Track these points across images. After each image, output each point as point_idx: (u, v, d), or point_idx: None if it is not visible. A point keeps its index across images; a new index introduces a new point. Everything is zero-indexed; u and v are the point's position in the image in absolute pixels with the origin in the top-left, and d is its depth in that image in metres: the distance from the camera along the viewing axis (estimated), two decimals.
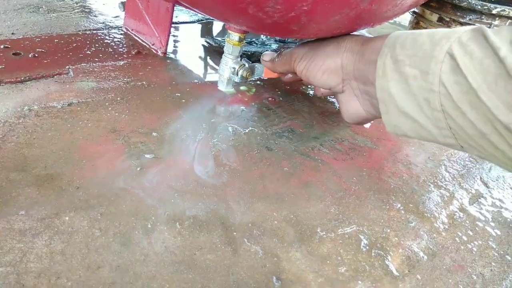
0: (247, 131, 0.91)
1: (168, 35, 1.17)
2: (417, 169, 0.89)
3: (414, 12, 1.05)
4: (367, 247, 0.66)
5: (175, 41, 1.35)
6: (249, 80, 0.98)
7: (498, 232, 0.75)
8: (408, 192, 0.81)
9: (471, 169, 0.92)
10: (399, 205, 0.77)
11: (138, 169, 0.75)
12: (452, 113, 0.46)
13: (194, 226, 0.65)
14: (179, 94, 1.01)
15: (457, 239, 0.72)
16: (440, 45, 0.48)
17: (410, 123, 0.54)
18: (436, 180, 0.86)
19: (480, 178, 0.90)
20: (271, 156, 0.84)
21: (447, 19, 0.98)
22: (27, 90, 0.92)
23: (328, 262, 0.63)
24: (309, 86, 1.19)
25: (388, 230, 0.71)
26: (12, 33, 1.19)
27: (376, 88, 0.57)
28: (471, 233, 0.74)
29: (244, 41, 0.95)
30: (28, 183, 0.67)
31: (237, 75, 0.96)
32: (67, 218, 0.62)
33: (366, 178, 0.83)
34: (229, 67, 0.97)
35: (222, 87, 1.01)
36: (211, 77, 1.13)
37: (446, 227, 0.74)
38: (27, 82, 0.96)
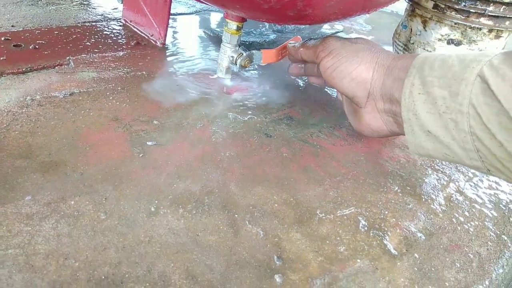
0: (246, 118, 0.93)
1: (167, 26, 1.18)
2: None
3: (411, 1, 1.06)
4: (366, 228, 0.68)
5: (173, 32, 1.36)
6: (247, 68, 0.99)
7: (495, 213, 0.77)
8: (406, 175, 0.83)
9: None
10: (396, 188, 0.78)
11: (141, 155, 0.76)
12: (480, 134, 0.47)
13: (197, 209, 0.66)
14: (178, 84, 1.02)
15: (454, 220, 0.73)
16: (471, 68, 0.49)
17: (435, 144, 0.55)
18: (433, 164, 0.88)
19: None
20: (270, 143, 0.86)
21: (442, 6, 0.99)
22: (29, 81, 0.93)
23: (327, 242, 0.64)
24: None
25: (386, 212, 0.72)
26: (12, 26, 1.20)
27: (401, 108, 0.59)
28: (467, 214, 0.75)
29: (242, 30, 0.96)
30: (33, 169, 0.69)
31: (236, 63, 0.98)
32: (72, 202, 0.64)
33: (364, 163, 0.84)
34: (227, 56, 0.99)
35: (221, 75, 1.03)
36: (210, 66, 1.14)
37: (443, 208, 0.76)
38: (28, 73, 0.97)
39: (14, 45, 1.06)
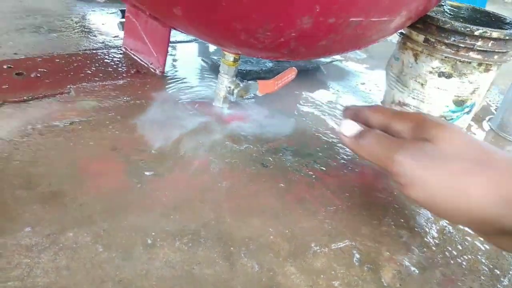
0: (243, 148, 0.94)
1: (166, 55, 1.21)
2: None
3: (401, 33, 1.10)
4: (360, 262, 0.69)
5: (173, 60, 1.39)
6: (244, 98, 1.02)
7: (487, 247, 0.78)
8: (399, 207, 0.84)
9: None
10: (390, 220, 0.80)
11: (138, 185, 0.77)
12: None
13: (193, 241, 0.67)
14: (177, 112, 1.04)
15: (447, 253, 0.75)
16: None
17: None
18: None
19: None
20: (267, 173, 0.87)
21: (433, 40, 1.03)
22: (30, 110, 0.95)
23: (322, 276, 0.65)
24: (304, 102, 1.23)
25: (380, 245, 0.73)
26: (15, 53, 1.23)
27: None
28: (460, 248, 0.77)
29: (239, 61, 0.99)
30: (34, 200, 0.70)
31: (233, 94, 1.00)
32: (71, 234, 0.65)
33: (358, 194, 0.86)
34: (224, 86, 1.02)
35: (218, 104, 1.05)
36: (208, 94, 1.16)
37: (437, 241, 0.77)
38: (30, 102, 0.99)
39: (16, 73, 1.08)
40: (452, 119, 1.11)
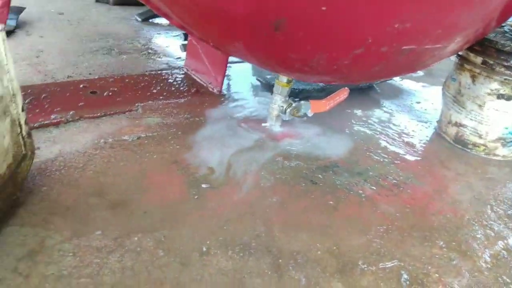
0: (293, 164, 0.98)
1: (224, 75, 1.29)
2: (462, 207, 0.90)
3: (458, 55, 1.08)
4: (407, 282, 0.69)
5: (229, 79, 1.47)
6: (296, 117, 1.06)
7: None
8: (452, 230, 0.83)
9: None
10: (441, 243, 0.79)
11: (196, 197, 0.84)
12: None
13: (244, 251, 0.72)
14: (232, 129, 1.10)
15: (499, 279, 0.72)
16: None
17: None
18: (481, 219, 0.87)
19: None
20: (316, 189, 0.90)
21: (491, 62, 1.00)
22: (102, 125, 1.06)
23: None
24: (356, 121, 1.24)
25: (430, 267, 0.73)
26: (90, 73, 1.37)
27: None
28: None
29: (292, 82, 1.03)
30: (104, 207, 0.78)
31: (285, 113, 1.04)
32: (136, 238, 0.72)
33: (410, 215, 0.86)
34: (277, 105, 1.06)
35: (271, 123, 1.10)
36: (261, 112, 1.21)
37: (489, 266, 0.75)
38: (103, 118, 1.10)
39: (91, 92, 1.21)
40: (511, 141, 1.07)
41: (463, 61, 1.08)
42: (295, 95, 1.32)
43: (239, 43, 0.63)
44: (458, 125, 1.13)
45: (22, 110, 0.73)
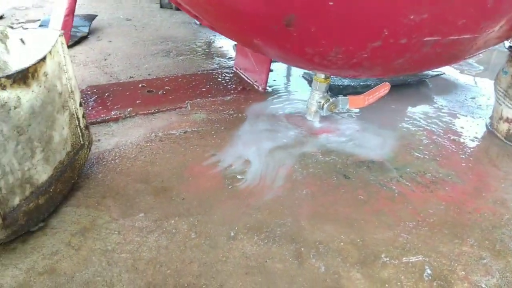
0: (328, 159, 1.00)
1: (267, 73, 1.34)
2: (503, 206, 0.86)
3: (510, 46, 1.02)
4: (430, 277, 0.69)
5: (275, 76, 1.51)
6: (333, 112, 1.07)
7: None
8: (487, 229, 0.80)
9: None
10: (473, 241, 0.77)
11: (230, 187, 0.90)
12: None
13: (269, 238, 0.76)
14: (272, 125, 1.15)
15: None
16: None
17: None
18: None
19: None
20: (348, 184, 0.91)
21: None
22: (155, 120, 1.17)
23: (386, 285, 0.67)
24: (401, 117, 1.22)
25: (456, 264, 0.72)
26: (149, 74, 1.50)
27: None
28: None
29: (330, 78, 1.05)
30: (148, 192, 0.87)
31: (323, 108, 1.07)
32: (172, 221, 0.80)
33: (444, 212, 0.84)
34: (315, 101, 1.09)
35: (310, 118, 1.13)
36: (303, 109, 1.24)
37: None
38: (156, 114, 1.20)
39: (147, 91, 1.32)
40: None
41: None
42: (340, 90, 1.33)
43: (258, 40, 0.68)
44: (510, 121, 1.06)
45: (80, 105, 0.84)
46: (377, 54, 0.66)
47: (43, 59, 0.68)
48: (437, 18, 0.60)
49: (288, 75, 1.54)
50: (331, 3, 0.53)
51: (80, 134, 0.85)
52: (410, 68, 0.75)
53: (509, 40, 1.06)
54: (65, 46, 0.78)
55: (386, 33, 0.60)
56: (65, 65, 0.77)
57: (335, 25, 0.59)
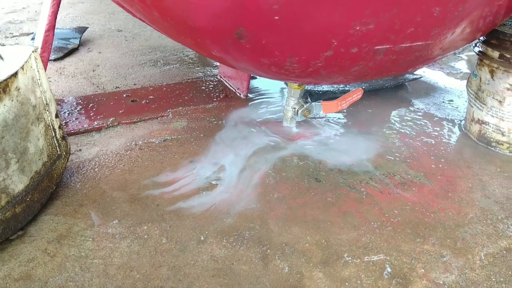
0: (301, 163, 1.03)
1: (249, 80, 1.37)
2: (468, 206, 0.88)
3: (479, 51, 1.05)
4: (390, 275, 0.72)
5: (257, 84, 1.54)
6: (308, 117, 1.11)
7: None
8: (450, 227, 0.82)
9: None
10: (434, 240, 0.79)
11: (204, 192, 0.93)
12: None
13: (237, 241, 0.79)
14: (250, 131, 1.18)
15: (492, 277, 0.71)
16: None
17: None
18: (486, 218, 0.85)
19: None
20: (318, 187, 0.94)
21: (508, 56, 0.96)
22: (136, 129, 1.20)
23: (347, 284, 0.70)
24: (377, 121, 1.24)
25: (416, 262, 0.74)
26: (134, 84, 1.53)
27: None
28: (510, 273, 0.72)
29: (304, 85, 1.09)
30: (124, 200, 0.90)
31: (297, 114, 1.10)
32: (145, 227, 0.83)
33: (409, 212, 0.87)
34: (291, 107, 1.12)
35: (286, 124, 1.16)
36: (281, 114, 1.27)
37: (484, 264, 0.74)
38: (138, 123, 1.24)
39: (131, 101, 1.36)
40: None
41: (482, 56, 1.05)
42: (319, 96, 1.36)
43: (216, 52, 0.71)
44: (481, 122, 1.09)
45: (56, 117, 0.87)
46: (331, 62, 0.69)
47: (15, 74, 0.72)
48: (384, 28, 0.63)
49: (271, 82, 1.57)
50: (276, 18, 0.57)
51: (56, 144, 0.88)
52: (370, 74, 0.78)
53: (478, 44, 1.08)
54: (39, 60, 0.82)
55: (335, 43, 0.63)
56: (39, 79, 0.81)
57: (284, 37, 0.62)
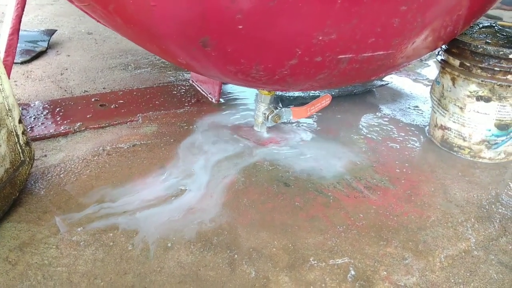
0: (271, 168, 1.04)
1: (220, 85, 1.37)
2: (430, 209, 0.92)
3: (442, 59, 1.09)
4: (353, 278, 0.73)
5: (231, 88, 1.55)
6: (278, 123, 1.12)
7: (501, 276, 0.75)
8: (412, 230, 0.85)
9: (492, 213, 0.92)
10: (397, 242, 0.81)
11: (173, 198, 0.92)
12: None
13: (204, 247, 0.79)
14: (221, 136, 1.18)
15: (451, 279, 0.74)
16: None
17: None
18: (447, 221, 0.88)
19: (500, 221, 0.89)
20: (287, 192, 0.95)
21: (468, 64, 1.00)
22: (104, 134, 1.18)
23: (311, 287, 0.71)
24: (346, 126, 1.27)
25: (379, 265, 0.76)
26: (104, 88, 1.51)
27: None
28: (468, 275, 0.75)
29: (274, 91, 1.10)
30: (90, 206, 0.89)
31: (267, 120, 1.11)
32: (111, 234, 0.81)
33: (373, 215, 0.89)
34: (261, 112, 1.13)
35: (257, 129, 1.17)
36: (252, 119, 1.28)
37: (443, 266, 0.77)
38: (106, 128, 1.22)
39: (100, 105, 1.34)
40: (496, 143, 1.06)
41: (444, 64, 1.09)
42: (290, 101, 1.38)
43: (182, 60, 0.71)
44: (443, 128, 1.13)
45: (19, 122, 0.85)
46: (296, 71, 0.71)
47: None
48: (345, 38, 0.65)
49: (243, 88, 1.58)
50: (240, 27, 0.57)
51: (20, 150, 0.86)
52: (335, 82, 0.80)
53: (440, 53, 1.13)
54: (0, 65, 0.79)
55: (299, 52, 0.65)
56: (0, 84, 0.79)
57: (249, 46, 0.63)
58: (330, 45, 0.65)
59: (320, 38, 0.63)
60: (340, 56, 0.69)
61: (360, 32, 0.65)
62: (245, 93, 1.51)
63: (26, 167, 0.89)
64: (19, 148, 0.86)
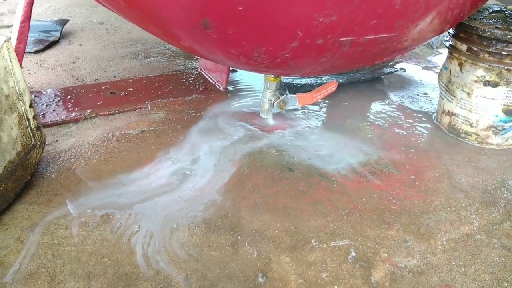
0: (276, 154, 1.05)
1: (228, 73, 1.38)
2: (434, 194, 0.92)
3: (449, 44, 1.08)
4: (354, 259, 0.74)
5: (238, 76, 1.56)
6: (284, 109, 1.13)
7: (503, 259, 0.75)
8: (415, 214, 0.85)
9: (498, 198, 0.91)
10: (399, 226, 0.82)
11: (179, 183, 0.94)
12: None
13: (209, 229, 0.81)
14: (228, 123, 1.20)
15: (452, 262, 0.75)
16: None
17: None
18: (450, 206, 0.88)
19: (504, 206, 0.88)
20: (291, 177, 0.96)
21: (475, 49, 0.99)
22: (114, 121, 1.21)
23: (312, 267, 0.73)
24: (353, 113, 1.27)
25: (380, 247, 0.77)
26: (114, 76, 1.54)
27: None
28: (470, 257, 0.75)
29: (280, 77, 1.10)
30: (99, 189, 0.92)
31: (273, 106, 1.12)
32: (119, 216, 0.84)
33: (376, 199, 0.89)
34: (267, 99, 1.14)
35: (263, 116, 1.18)
36: (258, 106, 1.29)
37: (446, 248, 0.77)
38: (116, 115, 1.25)
39: (110, 93, 1.36)
40: (504, 129, 1.05)
41: (452, 49, 1.08)
42: (297, 89, 1.38)
43: (184, 43, 0.72)
44: (451, 114, 1.12)
45: (30, 107, 0.88)
46: (298, 53, 0.71)
47: None
48: (347, 19, 0.65)
49: (251, 75, 1.59)
50: (240, 8, 0.58)
51: (31, 134, 0.89)
52: (338, 65, 0.80)
53: (448, 38, 1.12)
54: (12, 51, 0.82)
55: (300, 34, 0.65)
56: (12, 68, 0.81)
57: (250, 28, 0.64)
58: (331, 27, 0.66)
59: (321, 19, 0.63)
60: (342, 39, 0.69)
61: (361, 13, 0.65)
62: (252, 82, 1.52)
63: (37, 151, 0.92)
64: (30, 132, 0.88)
